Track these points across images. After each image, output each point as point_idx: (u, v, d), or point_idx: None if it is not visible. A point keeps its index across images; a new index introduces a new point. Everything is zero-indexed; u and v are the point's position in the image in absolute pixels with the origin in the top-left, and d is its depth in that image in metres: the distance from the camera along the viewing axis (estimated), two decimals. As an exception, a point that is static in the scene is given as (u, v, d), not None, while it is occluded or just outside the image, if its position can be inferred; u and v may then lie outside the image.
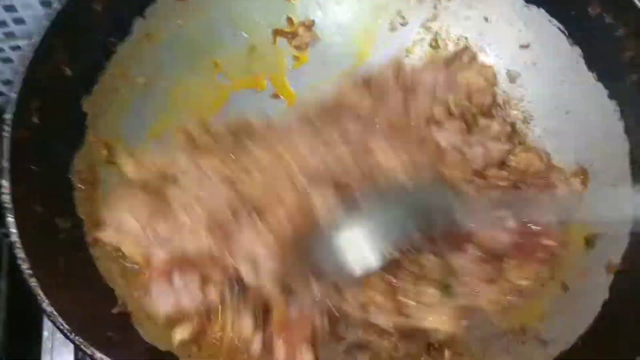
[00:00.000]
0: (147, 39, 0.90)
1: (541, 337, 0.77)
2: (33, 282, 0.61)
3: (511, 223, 0.77)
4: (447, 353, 0.76)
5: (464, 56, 0.95)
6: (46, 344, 0.88)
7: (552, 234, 0.78)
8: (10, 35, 0.98)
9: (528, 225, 0.77)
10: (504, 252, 0.76)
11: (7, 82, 1.07)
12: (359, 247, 0.69)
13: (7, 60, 1.03)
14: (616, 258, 0.77)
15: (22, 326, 0.96)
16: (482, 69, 0.94)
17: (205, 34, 0.95)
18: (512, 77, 0.96)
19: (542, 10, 0.90)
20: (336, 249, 0.69)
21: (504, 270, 0.77)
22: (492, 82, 0.94)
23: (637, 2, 0.77)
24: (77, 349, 0.82)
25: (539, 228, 0.78)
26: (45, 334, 0.88)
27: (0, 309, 0.96)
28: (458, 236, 0.74)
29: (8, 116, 0.70)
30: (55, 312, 0.60)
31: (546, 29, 0.90)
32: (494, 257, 0.77)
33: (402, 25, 1.02)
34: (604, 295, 0.75)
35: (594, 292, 0.76)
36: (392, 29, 1.02)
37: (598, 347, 0.71)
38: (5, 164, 0.66)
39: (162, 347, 0.71)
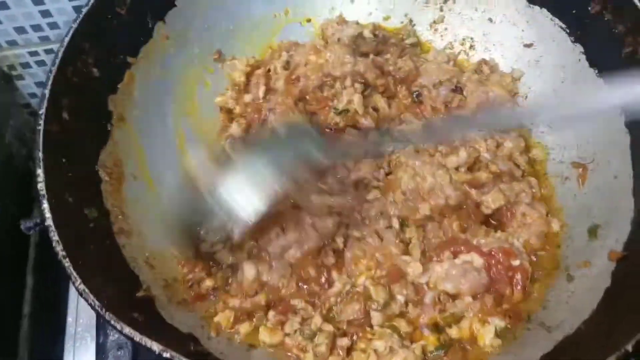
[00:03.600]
0: (167, 40, 0.95)
1: (546, 324, 0.79)
2: (67, 263, 0.65)
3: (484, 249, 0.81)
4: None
5: (484, 68, 0.98)
6: (69, 329, 0.91)
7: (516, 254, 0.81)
8: (44, 39, 1.04)
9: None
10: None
11: (41, 84, 1.12)
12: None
13: (42, 63, 1.08)
14: (618, 246, 0.79)
15: (46, 319, 1.00)
16: (502, 79, 0.97)
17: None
18: (517, 76, 0.99)
19: (544, 10, 0.94)
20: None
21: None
22: (513, 91, 0.97)
23: (636, 1, 0.80)
24: (99, 331, 0.88)
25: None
26: (69, 319, 0.92)
27: (25, 302, 1.00)
28: None
29: (41, 111, 0.74)
30: (87, 290, 0.64)
31: (548, 28, 0.94)
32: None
33: (411, 25, 1.07)
34: (606, 282, 0.77)
35: (597, 279, 0.78)
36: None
37: (600, 331, 0.72)
38: (40, 155, 0.71)
39: (184, 329, 0.74)
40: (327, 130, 0.94)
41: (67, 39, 0.80)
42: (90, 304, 0.63)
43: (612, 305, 0.74)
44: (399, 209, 0.85)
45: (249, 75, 1.00)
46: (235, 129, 0.97)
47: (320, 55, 0.95)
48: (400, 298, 0.79)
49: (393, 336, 0.75)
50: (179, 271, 0.83)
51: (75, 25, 0.81)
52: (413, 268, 0.80)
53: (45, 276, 1.04)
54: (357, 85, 0.94)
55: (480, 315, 0.78)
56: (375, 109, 0.95)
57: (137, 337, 0.62)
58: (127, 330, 0.62)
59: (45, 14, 0.99)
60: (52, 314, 0.98)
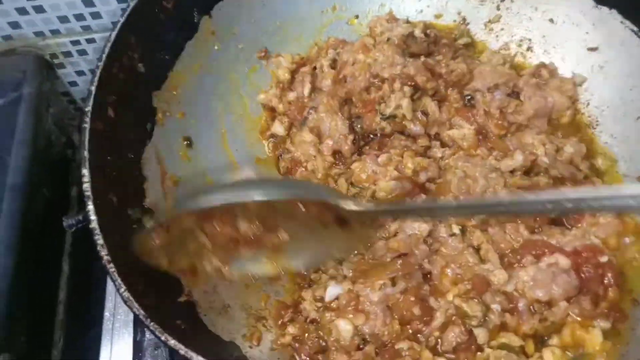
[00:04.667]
0: (212, 35, 0.92)
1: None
2: (111, 268, 0.63)
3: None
4: None
5: (543, 72, 0.93)
6: (107, 324, 0.90)
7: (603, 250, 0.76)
8: (86, 28, 1.03)
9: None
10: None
11: (81, 73, 1.12)
12: None
13: (83, 52, 1.07)
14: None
15: (82, 306, 1.00)
16: (562, 84, 0.91)
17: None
18: (578, 81, 0.93)
19: (614, 11, 0.88)
20: None
21: None
22: (574, 97, 0.91)
23: None
24: (137, 329, 0.86)
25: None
26: (107, 314, 0.91)
27: (61, 289, 1.00)
28: None
29: (87, 109, 0.72)
30: (132, 298, 0.62)
31: (618, 31, 0.88)
32: None
33: (464, 24, 1.02)
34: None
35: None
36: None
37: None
38: (85, 154, 0.69)
39: (225, 337, 0.72)
40: (372, 135, 0.91)
41: (114, 34, 0.78)
42: (134, 313, 0.62)
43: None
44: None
45: (293, 73, 0.97)
46: (277, 127, 0.94)
47: (369, 55, 0.91)
48: (496, 307, 0.74)
49: (511, 357, 0.71)
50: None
51: (122, 19, 0.79)
52: (497, 276, 0.76)
53: (81, 263, 1.04)
54: (406, 88, 0.89)
55: (581, 319, 0.74)
56: (425, 113, 0.90)
57: (182, 350, 0.60)
58: (172, 342, 0.60)
59: (88, 3, 0.98)
60: (87, 302, 0.98)
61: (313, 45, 1.01)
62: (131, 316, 0.90)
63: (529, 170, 0.84)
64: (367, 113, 0.91)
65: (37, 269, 0.91)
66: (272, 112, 0.97)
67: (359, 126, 0.92)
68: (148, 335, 0.88)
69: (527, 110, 0.89)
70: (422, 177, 0.84)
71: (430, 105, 0.90)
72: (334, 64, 0.95)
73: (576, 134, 0.91)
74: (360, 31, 1.02)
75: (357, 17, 1.02)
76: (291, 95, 0.95)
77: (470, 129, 0.89)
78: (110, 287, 0.93)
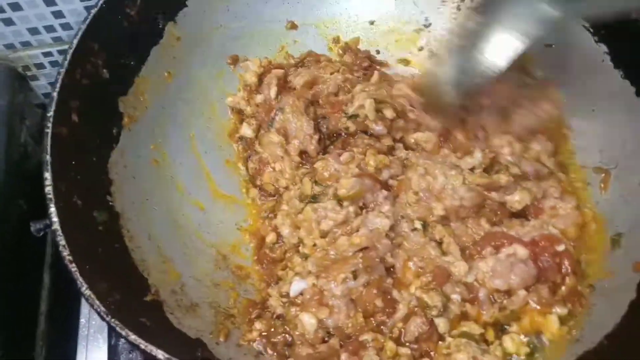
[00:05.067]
0: (177, 41, 0.94)
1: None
2: (73, 268, 0.64)
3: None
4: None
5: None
6: (82, 330, 0.91)
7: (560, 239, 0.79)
8: (58, 39, 1.04)
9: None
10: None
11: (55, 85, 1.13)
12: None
13: (55, 63, 1.08)
14: (643, 256, 0.75)
15: (63, 316, 1.00)
16: (551, 94, 0.92)
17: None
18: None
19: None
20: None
21: None
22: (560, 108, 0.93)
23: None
24: (111, 333, 0.87)
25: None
26: (82, 321, 0.92)
27: (42, 300, 1.00)
28: None
29: (49, 114, 0.74)
30: (92, 296, 0.63)
31: (570, 27, 0.90)
32: None
33: (425, 26, 1.04)
34: (631, 294, 0.74)
35: (621, 291, 0.75)
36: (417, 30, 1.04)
37: (624, 346, 0.70)
38: (47, 158, 0.70)
39: (192, 334, 0.73)
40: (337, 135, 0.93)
41: (75, 41, 0.79)
42: (95, 310, 0.62)
43: (638, 320, 0.71)
44: (414, 210, 0.83)
45: (261, 77, 0.99)
46: (245, 129, 0.95)
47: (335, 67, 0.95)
48: (456, 297, 0.76)
49: (470, 344, 0.72)
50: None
51: (84, 27, 0.80)
52: (458, 267, 0.78)
53: (62, 275, 1.04)
54: (371, 88, 0.91)
55: (539, 307, 0.76)
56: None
57: (142, 344, 0.61)
58: (132, 337, 0.61)
59: (58, 14, 0.99)
60: (68, 313, 0.98)
61: (280, 48, 1.03)
62: (106, 322, 0.91)
63: (489, 167, 0.86)
64: (333, 114, 0.93)
65: (17, 280, 0.92)
66: (240, 114, 0.99)
67: (324, 126, 0.94)
68: (122, 339, 0.89)
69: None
70: (385, 175, 0.86)
71: (389, 112, 0.90)
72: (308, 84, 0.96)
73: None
74: (326, 34, 1.04)
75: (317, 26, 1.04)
76: (259, 98, 0.97)
77: (434, 133, 0.91)
78: (85, 294, 0.93)
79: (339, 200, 0.81)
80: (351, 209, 0.81)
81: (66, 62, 0.77)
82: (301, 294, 0.77)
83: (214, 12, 0.96)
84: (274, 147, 0.91)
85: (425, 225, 0.82)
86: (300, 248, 0.82)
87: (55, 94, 0.75)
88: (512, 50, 0.73)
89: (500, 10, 0.75)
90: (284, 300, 0.78)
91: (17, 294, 0.94)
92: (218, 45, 0.98)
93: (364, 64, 1.00)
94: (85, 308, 0.93)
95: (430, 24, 1.04)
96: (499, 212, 0.84)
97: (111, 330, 0.87)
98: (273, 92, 0.95)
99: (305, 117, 0.90)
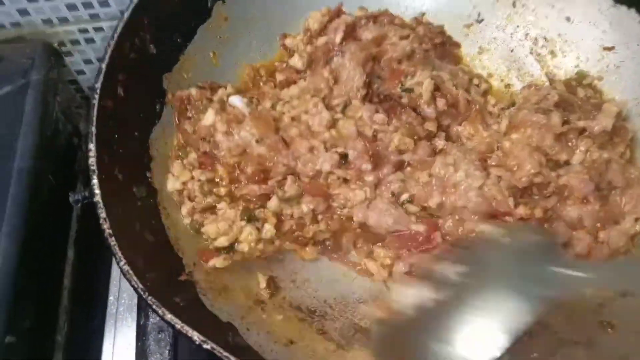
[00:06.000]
0: (225, 21, 0.93)
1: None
2: (112, 242, 0.64)
3: None
4: None
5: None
6: (111, 308, 0.90)
7: None
8: (94, 17, 1.03)
9: None
10: None
11: (89, 62, 1.13)
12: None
13: (90, 40, 1.08)
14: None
15: (86, 293, 1.00)
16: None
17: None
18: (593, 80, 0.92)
19: (632, 11, 0.86)
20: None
21: None
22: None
23: None
24: (141, 312, 0.87)
25: None
26: (111, 298, 0.91)
27: (66, 276, 1.00)
28: None
29: (97, 85, 0.73)
30: (130, 272, 0.62)
31: (635, 30, 0.86)
32: None
33: (478, 22, 1.01)
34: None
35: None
36: (468, 25, 1.01)
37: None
38: (93, 129, 0.70)
39: (223, 317, 0.72)
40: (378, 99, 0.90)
41: (127, 14, 0.79)
42: (133, 286, 0.62)
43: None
44: (414, 188, 0.82)
45: (325, 25, 0.93)
46: (296, 60, 0.92)
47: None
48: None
49: None
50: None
51: (135, 0, 0.80)
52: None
53: (86, 250, 1.05)
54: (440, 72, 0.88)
55: None
56: (445, 96, 0.87)
57: (179, 325, 0.60)
58: (169, 316, 0.60)
59: (96, -10, 0.98)
60: (92, 288, 0.98)
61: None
62: (135, 300, 0.90)
63: (523, 192, 0.81)
64: (391, 80, 0.89)
65: (43, 254, 0.92)
66: (290, 53, 0.96)
67: (377, 86, 0.90)
68: (152, 319, 0.88)
69: None
70: (398, 156, 0.84)
71: (442, 102, 0.87)
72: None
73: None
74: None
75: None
76: (321, 40, 0.92)
77: (482, 135, 0.87)
78: (115, 271, 0.93)
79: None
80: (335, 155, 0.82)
81: (116, 35, 0.76)
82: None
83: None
84: (321, 82, 0.87)
85: (408, 200, 0.82)
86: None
87: (103, 66, 0.74)
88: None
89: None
90: None
91: (42, 268, 0.94)
92: (265, 28, 0.97)
93: (436, 40, 0.96)
94: (114, 286, 0.92)
95: (482, 20, 1.00)
96: None
97: (141, 310, 0.89)
98: (339, 37, 0.90)
99: (361, 69, 0.86)
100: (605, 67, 0.91)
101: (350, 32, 0.92)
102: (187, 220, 0.80)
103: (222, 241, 0.77)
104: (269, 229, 0.78)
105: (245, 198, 0.81)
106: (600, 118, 0.82)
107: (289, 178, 0.81)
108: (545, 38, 0.97)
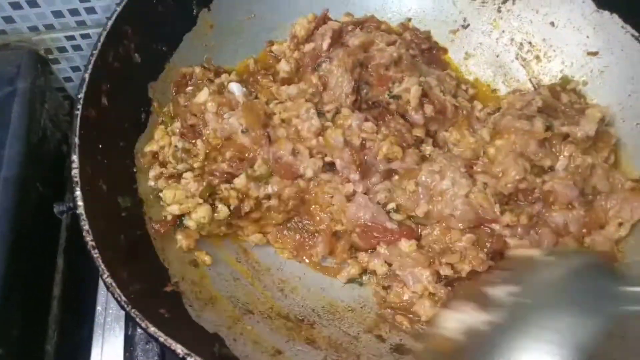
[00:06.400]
0: (210, 29, 0.92)
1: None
2: (95, 254, 0.63)
3: None
4: None
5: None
6: (99, 318, 0.90)
7: None
8: (81, 23, 1.02)
9: None
10: None
11: (76, 69, 1.12)
12: None
13: (77, 47, 1.07)
14: None
15: (76, 302, 1.00)
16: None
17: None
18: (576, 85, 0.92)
19: (615, 16, 0.87)
20: None
21: None
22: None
23: None
24: (128, 323, 0.86)
25: None
26: (99, 309, 0.90)
27: (55, 285, 0.99)
28: None
29: (80, 95, 0.73)
30: (114, 284, 0.62)
31: (618, 35, 0.87)
32: None
33: (464, 27, 1.01)
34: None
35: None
36: (454, 31, 1.01)
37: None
38: (75, 140, 0.69)
39: (210, 328, 0.72)
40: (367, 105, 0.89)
41: (109, 22, 0.78)
42: (116, 299, 0.61)
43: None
44: (401, 197, 0.82)
45: (312, 32, 0.94)
46: (283, 65, 0.92)
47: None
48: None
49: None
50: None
51: (119, 9, 0.79)
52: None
53: (76, 259, 1.04)
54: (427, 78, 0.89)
55: None
56: (432, 103, 0.88)
57: (162, 337, 0.59)
58: (152, 329, 0.60)
59: (83, -2, 0.98)
60: (82, 297, 0.97)
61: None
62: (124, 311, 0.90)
63: (508, 198, 0.81)
64: (379, 87, 0.89)
65: (32, 264, 0.91)
66: (278, 61, 0.95)
67: (365, 92, 0.90)
68: (139, 329, 0.87)
69: None
70: (394, 165, 0.84)
71: (429, 108, 0.88)
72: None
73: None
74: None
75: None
76: (307, 47, 0.92)
77: (469, 141, 0.87)
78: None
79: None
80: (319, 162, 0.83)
81: (99, 44, 0.76)
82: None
83: (248, 1, 0.95)
84: (310, 87, 0.87)
85: (395, 210, 0.82)
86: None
87: (87, 76, 0.74)
88: None
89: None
90: None
91: (31, 277, 0.93)
92: (251, 35, 0.97)
93: (423, 46, 0.96)
94: (102, 296, 0.91)
95: (468, 25, 1.00)
96: (489, 242, 0.79)
97: (129, 320, 0.88)
98: (326, 43, 0.90)
99: (349, 75, 0.86)
100: (589, 71, 0.92)
101: (337, 39, 0.92)
102: (151, 183, 0.81)
103: (174, 209, 0.77)
104: (222, 211, 0.78)
105: (213, 173, 0.81)
106: (583, 123, 0.82)
107: (260, 158, 0.82)
108: (530, 43, 0.98)
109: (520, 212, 0.79)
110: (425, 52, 0.98)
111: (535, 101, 0.85)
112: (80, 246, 0.98)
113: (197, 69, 0.88)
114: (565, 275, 0.61)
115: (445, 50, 1.02)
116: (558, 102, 0.88)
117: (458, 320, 0.62)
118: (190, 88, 0.88)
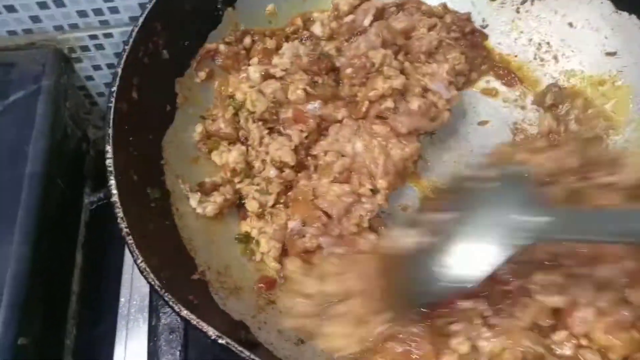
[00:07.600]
0: (236, 27, 0.95)
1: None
2: (130, 240, 0.65)
3: None
4: None
5: None
6: (122, 309, 0.92)
7: None
8: (104, 23, 1.04)
9: None
10: None
11: (98, 68, 1.14)
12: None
13: (100, 47, 1.09)
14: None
15: (95, 298, 1.01)
16: None
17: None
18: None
19: (634, 17, 0.88)
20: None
21: None
22: None
23: None
24: (152, 314, 0.88)
25: None
26: (122, 300, 0.92)
27: (74, 281, 1.01)
28: None
29: (113, 88, 0.75)
30: (147, 269, 0.64)
31: (637, 36, 0.88)
32: None
33: (482, 27, 1.03)
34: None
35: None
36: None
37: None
38: (110, 131, 0.72)
39: (235, 316, 0.73)
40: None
41: (141, 19, 0.81)
42: (150, 283, 0.63)
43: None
44: None
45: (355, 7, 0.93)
46: (317, 27, 0.93)
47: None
48: None
49: None
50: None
51: (149, 6, 0.82)
52: None
53: (95, 255, 1.06)
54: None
55: None
56: None
57: (194, 320, 0.61)
58: (185, 312, 0.61)
59: (108, -2, 1.00)
60: (100, 293, 1.00)
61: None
62: (146, 301, 0.91)
63: None
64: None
65: (52, 258, 0.93)
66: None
67: None
68: (163, 320, 0.89)
69: None
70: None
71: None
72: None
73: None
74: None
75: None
76: (348, 18, 0.91)
77: None
78: (127, 273, 0.94)
79: None
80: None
81: (131, 40, 0.78)
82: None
83: (272, 0, 0.97)
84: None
85: None
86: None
87: (119, 70, 0.76)
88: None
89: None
90: None
91: (52, 272, 0.95)
92: (274, 32, 0.99)
93: (465, 28, 0.96)
94: (125, 288, 0.93)
95: (487, 25, 1.02)
96: None
97: (152, 311, 0.90)
98: (368, 20, 0.88)
99: (382, 50, 0.83)
100: (607, 72, 0.93)
101: (379, 17, 0.91)
102: (197, 138, 0.88)
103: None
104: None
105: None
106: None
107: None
108: (548, 43, 0.99)
109: None
110: (468, 35, 0.97)
111: None
112: (99, 242, 1.03)
113: (222, 46, 0.90)
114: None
115: (485, 36, 1.01)
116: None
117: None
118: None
